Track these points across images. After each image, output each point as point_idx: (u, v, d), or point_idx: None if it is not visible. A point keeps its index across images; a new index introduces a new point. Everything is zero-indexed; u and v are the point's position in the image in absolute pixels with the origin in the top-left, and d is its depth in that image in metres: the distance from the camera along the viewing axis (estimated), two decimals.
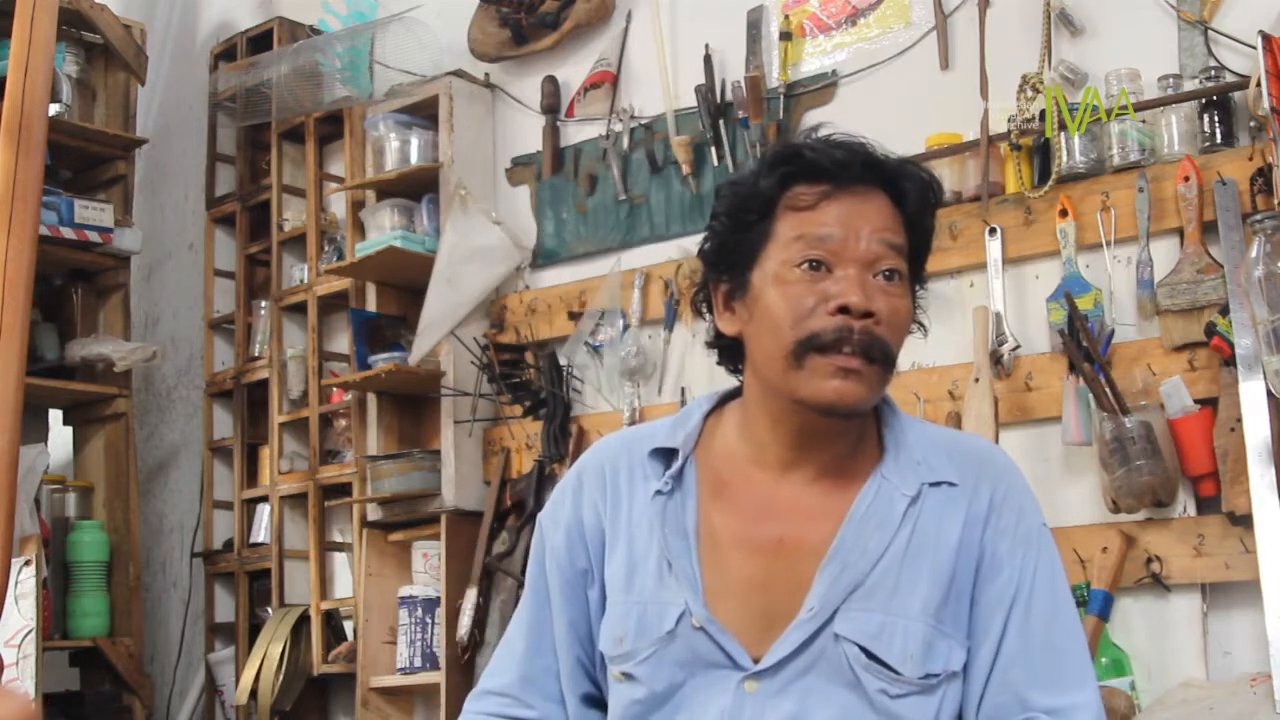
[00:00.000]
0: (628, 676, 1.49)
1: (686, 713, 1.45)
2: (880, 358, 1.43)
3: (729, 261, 1.51)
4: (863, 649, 1.41)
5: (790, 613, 1.43)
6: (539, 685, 1.59)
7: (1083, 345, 2.49)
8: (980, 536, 1.47)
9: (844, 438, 1.50)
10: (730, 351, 1.56)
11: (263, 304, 3.90)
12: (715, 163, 3.06)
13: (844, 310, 1.41)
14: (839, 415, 1.46)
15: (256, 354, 3.89)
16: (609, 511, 1.55)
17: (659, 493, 1.51)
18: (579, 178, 3.31)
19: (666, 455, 1.54)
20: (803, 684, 1.42)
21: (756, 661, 1.43)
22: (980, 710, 1.44)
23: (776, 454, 1.50)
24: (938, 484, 1.48)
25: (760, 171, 1.49)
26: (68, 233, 3.62)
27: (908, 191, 1.49)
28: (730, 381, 1.61)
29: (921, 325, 1.56)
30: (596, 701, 1.59)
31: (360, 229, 3.54)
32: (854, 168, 1.46)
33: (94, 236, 3.68)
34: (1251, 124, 2.45)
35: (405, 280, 3.45)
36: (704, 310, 1.57)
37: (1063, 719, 1.43)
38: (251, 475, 3.87)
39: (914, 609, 1.42)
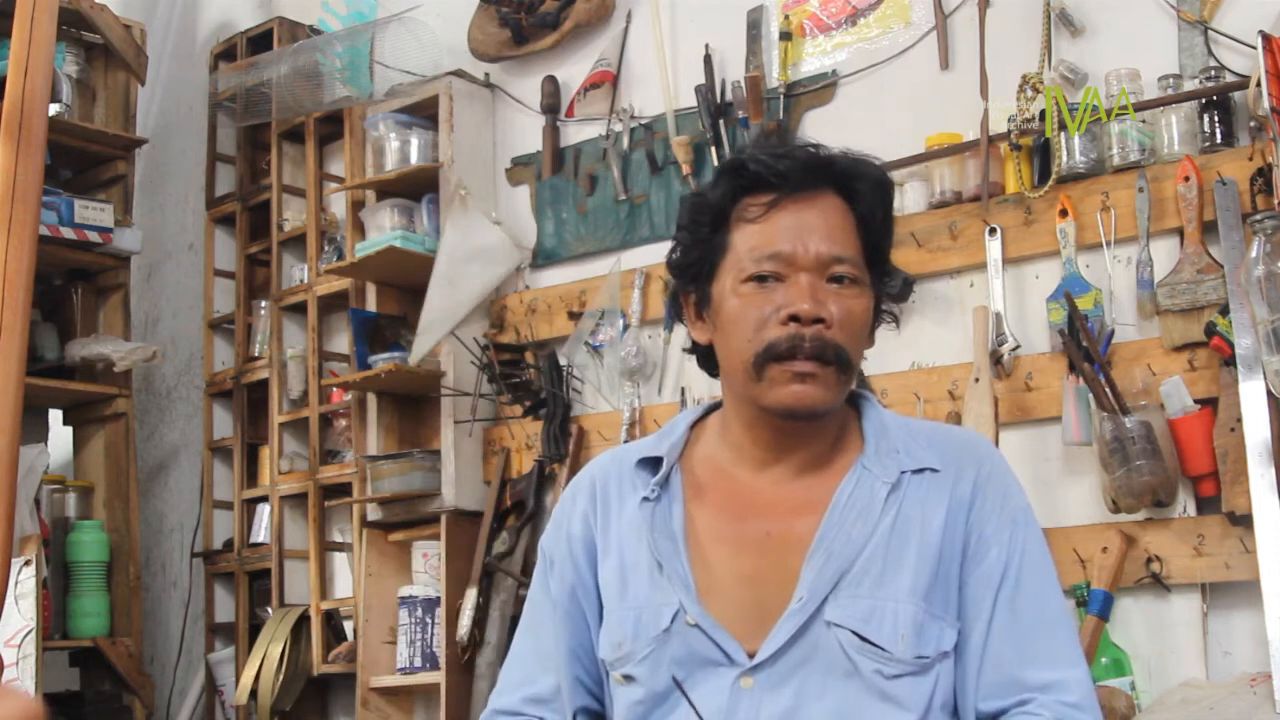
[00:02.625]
0: (628, 678, 1.51)
1: (684, 712, 1.46)
2: (834, 360, 1.46)
3: (692, 274, 1.55)
4: (855, 633, 1.43)
5: (781, 605, 1.45)
6: (548, 704, 1.61)
7: (1083, 345, 2.49)
8: (965, 519, 1.49)
9: (819, 436, 1.54)
10: (707, 358, 1.60)
11: (263, 304, 3.90)
12: (715, 163, 3.06)
13: (795, 319, 1.45)
14: (801, 419, 1.49)
15: (256, 354, 3.89)
16: (599, 523, 1.58)
17: (645, 499, 1.54)
18: (579, 178, 3.31)
19: (653, 464, 1.58)
20: (799, 677, 1.43)
21: (751, 656, 1.44)
22: (977, 691, 1.46)
23: (755, 455, 1.54)
24: (920, 471, 1.51)
25: (711, 185, 1.54)
26: (68, 233, 3.62)
27: (858, 190, 1.51)
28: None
29: (893, 315, 1.59)
30: (594, 715, 1.61)
31: (360, 229, 3.54)
32: (796, 175, 1.49)
33: (94, 236, 3.68)
34: (1251, 124, 2.45)
35: (405, 280, 3.45)
36: (679, 319, 1.62)
37: (1057, 693, 1.44)
38: (251, 475, 3.87)
39: (902, 592, 1.45)
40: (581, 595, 1.59)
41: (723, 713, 1.43)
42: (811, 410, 1.48)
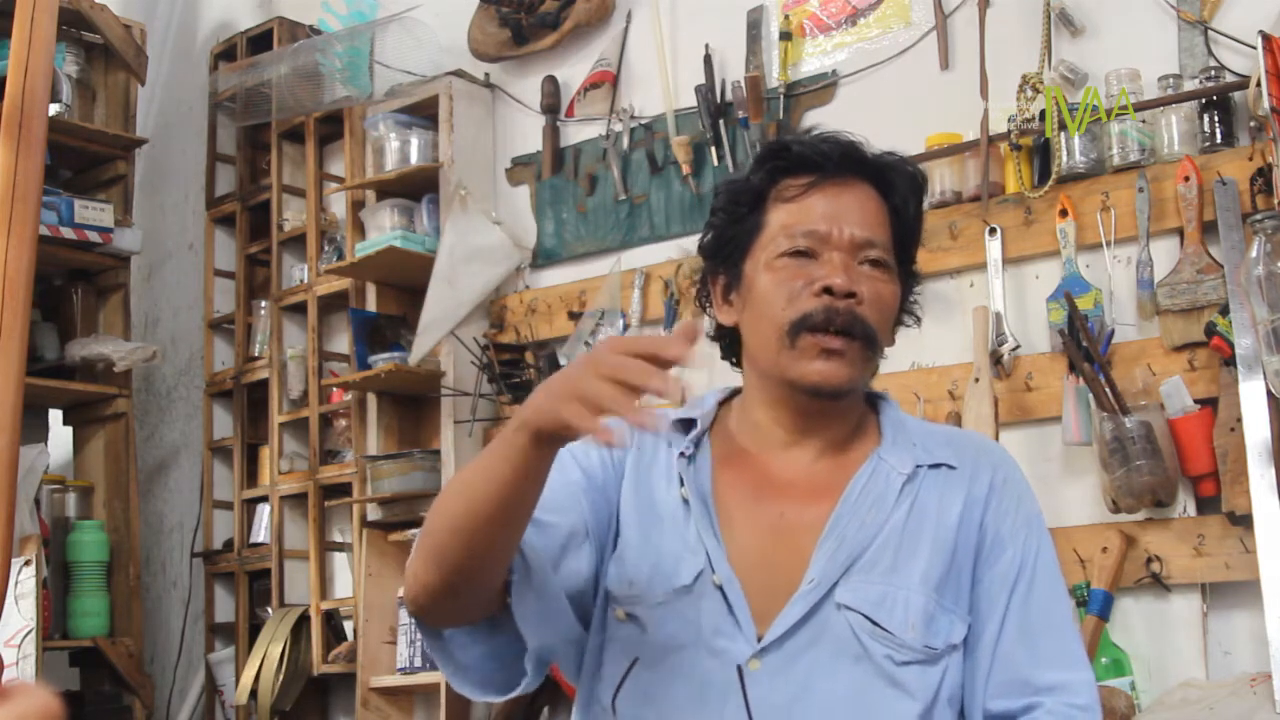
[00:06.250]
0: (631, 618, 1.49)
1: (686, 685, 1.45)
2: (862, 335, 1.49)
3: (724, 254, 1.57)
4: (866, 616, 1.44)
5: (791, 588, 1.45)
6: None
7: (1083, 345, 2.49)
8: (981, 517, 1.51)
9: (839, 421, 1.55)
10: (730, 344, 1.61)
11: (263, 304, 3.90)
12: (715, 163, 3.06)
13: (828, 291, 1.47)
14: (825, 395, 1.51)
15: (256, 354, 3.89)
16: (634, 453, 1.57)
17: (682, 454, 1.54)
18: (579, 178, 3.31)
19: (686, 426, 1.58)
20: (807, 659, 1.43)
21: (760, 638, 1.44)
22: (986, 689, 1.48)
23: (776, 435, 1.55)
24: (936, 466, 1.53)
25: (751, 168, 1.57)
26: (68, 233, 3.62)
27: (893, 183, 1.56)
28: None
29: (914, 315, 1.61)
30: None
31: (360, 229, 3.54)
32: (837, 160, 1.53)
33: (94, 236, 3.68)
34: (1251, 124, 2.45)
35: (405, 280, 3.45)
36: (705, 305, 1.63)
37: (1065, 695, 1.46)
38: (251, 475, 3.87)
39: (914, 581, 1.46)
40: (612, 495, 1.54)
41: (730, 692, 1.43)
42: (836, 389, 1.50)
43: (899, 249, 1.55)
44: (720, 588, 1.46)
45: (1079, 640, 1.53)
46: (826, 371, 1.48)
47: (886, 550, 1.47)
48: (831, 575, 1.45)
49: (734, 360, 1.62)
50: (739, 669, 1.43)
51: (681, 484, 1.52)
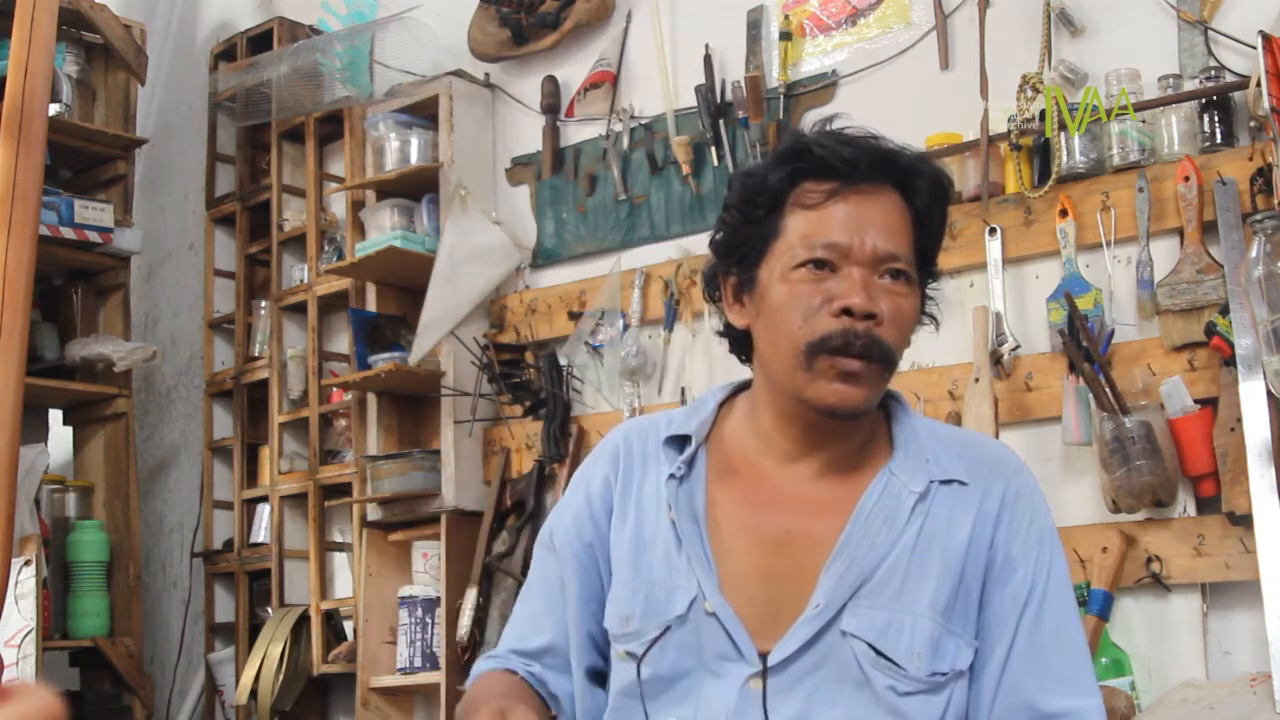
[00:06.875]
0: (631, 655, 1.48)
1: (690, 707, 1.45)
2: (880, 359, 1.44)
3: (738, 255, 1.51)
4: (870, 645, 1.40)
5: (796, 606, 1.42)
6: (536, 658, 1.60)
7: (1083, 345, 2.49)
8: (991, 535, 1.47)
9: (851, 436, 1.51)
10: (741, 342, 1.57)
11: (263, 304, 3.90)
12: (715, 163, 3.06)
13: (847, 312, 1.42)
14: (841, 418, 1.47)
15: (256, 354, 3.89)
16: (619, 484, 1.55)
17: (672, 477, 1.51)
18: (579, 178, 3.31)
19: (680, 442, 1.55)
20: (809, 683, 1.41)
21: (763, 656, 1.42)
22: (991, 713, 1.44)
23: (783, 447, 1.51)
24: (948, 482, 1.48)
25: (770, 166, 1.50)
26: (68, 233, 3.62)
27: (918, 188, 1.49)
28: (742, 372, 1.62)
29: (933, 318, 1.56)
30: (600, 676, 1.58)
31: (360, 229, 3.54)
32: (862, 166, 1.46)
33: (94, 236, 3.68)
34: (1251, 124, 2.45)
35: (405, 280, 3.45)
36: (714, 300, 1.58)
37: None
38: (251, 475, 3.87)
39: (921, 606, 1.42)
40: (599, 552, 1.55)
41: (731, 713, 1.41)
42: (852, 411, 1.45)
43: (920, 257, 1.49)
44: (714, 615, 1.43)
45: (1090, 664, 1.48)
46: (843, 393, 1.43)
47: (895, 573, 1.42)
48: (839, 599, 1.41)
49: (744, 358, 1.58)
50: (740, 693, 1.42)
51: (670, 509, 1.49)
